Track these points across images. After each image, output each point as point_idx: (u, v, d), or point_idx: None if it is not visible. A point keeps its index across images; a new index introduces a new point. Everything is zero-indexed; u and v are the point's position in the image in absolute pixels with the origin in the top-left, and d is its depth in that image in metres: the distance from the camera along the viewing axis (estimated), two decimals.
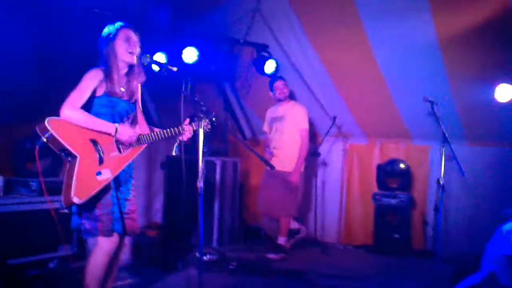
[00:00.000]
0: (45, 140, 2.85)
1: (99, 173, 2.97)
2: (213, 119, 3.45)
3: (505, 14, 4.30)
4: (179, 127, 3.37)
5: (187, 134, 3.43)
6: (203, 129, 3.32)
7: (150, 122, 3.65)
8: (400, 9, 4.69)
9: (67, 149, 2.87)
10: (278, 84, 5.78)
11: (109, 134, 3.07)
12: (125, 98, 3.21)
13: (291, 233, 5.98)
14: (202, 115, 3.30)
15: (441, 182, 4.45)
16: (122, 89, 3.18)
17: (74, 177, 2.84)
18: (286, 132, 5.70)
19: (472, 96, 5.17)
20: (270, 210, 5.84)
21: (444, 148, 4.46)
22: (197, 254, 4.07)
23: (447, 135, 4.46)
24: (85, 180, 2.89)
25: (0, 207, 4.19)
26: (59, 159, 2.94)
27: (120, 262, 3.41)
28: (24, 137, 4.81)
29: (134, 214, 3.32)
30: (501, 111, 5.14)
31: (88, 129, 2.99)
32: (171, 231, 6.10)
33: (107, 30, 3.20)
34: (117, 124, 3.10)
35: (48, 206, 4.48)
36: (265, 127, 6.04)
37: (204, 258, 5.10)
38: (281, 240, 5.75)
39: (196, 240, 5.69)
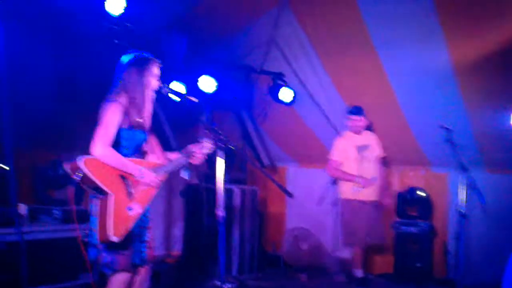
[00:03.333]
0: (78, 178, 2.82)
1: (130, 209, 2.98)
2: (232, 147, 3.47)
3: None
4: (188, 148, 3.38)
5: (198, 158, 3.41)
6: (207, 149, 3.36)
7: (168, 150, 3.66)
8: (413, 35, 4.75)
9: (100, 187, 2.85)
10: (354, 118, 5.61)
11: (133, 176, 3.05)
12: (141, 127, 3.20)
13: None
14: (221, 144, 3.33)
15: (462, 211, 4.41)
16: (140, 120, 3.16)
17: (110, 216, 2.83)
18: (373, 161, 5.66)
19: (488, 123, 5.15)
20: (374, 240, 5.72)
21: (463, 176, 4.44)
22: (217, 283, 4.07)
23: (464, 162, 4.44)
24: (119, 217, 2.90)
25: (24, 235, 4.24)
26: (80, 187, 2.93)
27: None
28: (46, 165, 4.89)
29: (153, 242, 3.33)
30: None
31: None
32: (190, 259, 6.10)
33: (133, 58, 3.17)
34: (142, 167, 3.08)
35: (70, 235, 4.55)
36: (336, 155, 5.67)
37: (224, 286, 5.08)
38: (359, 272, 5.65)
39: (216, 268, 5.68)
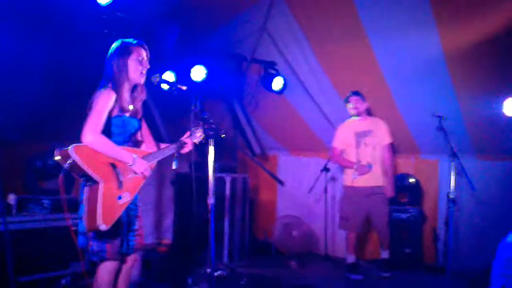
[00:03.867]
0: (68, 166, 2.80)
1: (120, 197, 2.97)
2: (223, 135, 3.47)
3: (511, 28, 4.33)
4: (180, 140, 3.40)
5: (188, 147, 3.43)
6: (197, 139, 3.38)
7: (159, 139, 3.67)
8: (404, 23, 4.73)
9: (89, 175, 2.83)
10: (352, 99, 5.66)
11: (126, 163, 3.04)
12: (134, 116, 3.20)
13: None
14: (211, 132, 3.32)
15: (451, 197, 4.45)
16: (131, 107, 3.16)
17: (99, 204, 2.81)
18: (376, 147, 5.62)
19: (480, 110, 5.17)
20: (375, 226, 5.76)
21: (453, 163, 4.46)
22: (208, 270, 4.08)
23: (455, 149, 4.46)
24: (108, 206, 2.88)
25: (13, 225, 4.23)
26: (70, 176, 2.92)
27: (131, 278, 3.43)
28: (35, 156, 4.86)
29: (142, 231, 3.31)
30: (509, 124, 5.13)
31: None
32: (181, 247, 6.11)
33: (117, 46, 3.17)
34: (135, 155, 3.07)
35: (60, 224, 4.54)
36: (337, 143, 5.77)
37: (215, 274, 5.11)
38: (386, 254, 5.68)
39: (206, 256, 5.70)
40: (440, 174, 6.14)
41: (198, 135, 3.44)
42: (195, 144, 3.45)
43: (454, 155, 4.47)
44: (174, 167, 3.42)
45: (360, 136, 5.66)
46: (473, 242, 5.77)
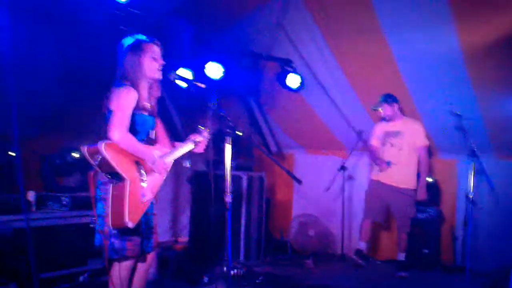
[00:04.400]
0: (97, 163, 2.81)
1: (143, 195, 2.99)
2: (240, 133, 3.47)
3: None
4: (194, 140, 3.41)
5: (202, 146, 3.45)
6: (204, 138, 3.41)
7: (176, 136, 3.67)
8: (422, 19, 4.69)
9: (117, 173, 2.84)
10: (380, 107, 5.71)
11: (148, 161, 3.05)
12: (150, 114, 3.19)
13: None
14: (228, 130, 3.32)
15: (470, 197, 4.40)
16: (148, 104, 3.16)
17: (126, 202, 2.83)
18: (405, 148, 5.62)
19: (498, 109, 5.10)
20: (385, 221, 5.91)
21: (472, 162, 4.41)
22: (224, 268, 4.08)
23: (474, 149, 4.41)
24: (134, 204, 2.90)
25: (32, 222, 4.27)
26: (84, 173, 2.93)
27: (148, 276, 3.44)
28: (53, 153, 4.90)
29: (157, 228, 3.33)
30: None
31: None
32: (197, 245, 6.13)
33: (130, 43, 3.13)
34: (156, 156, 3.10)
35: (78, 221, 4.58)
36: (374, 141, 5.91)
37: (231, 272, 5.12)
38: (402, 256, 5.70)
39: (223, 254, 5.71)
40: (459, 174, 6.06)
41: (205, 135, 3.44)
42: (212, 142, 3.46)
43: (473, 154, 4.43)
44: (188, 165, 3.43)
45: (388, 136, 5.73)
46: (491, 242, 5.70)
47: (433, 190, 6.12)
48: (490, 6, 4.31)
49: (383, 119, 5.79)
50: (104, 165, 2.81)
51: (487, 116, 5.32)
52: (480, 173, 4.50)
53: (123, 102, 2.96)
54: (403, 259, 5.65)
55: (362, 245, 5.81)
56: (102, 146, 2.77)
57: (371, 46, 5.24)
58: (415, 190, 5.60)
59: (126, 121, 2.94)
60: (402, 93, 5.60)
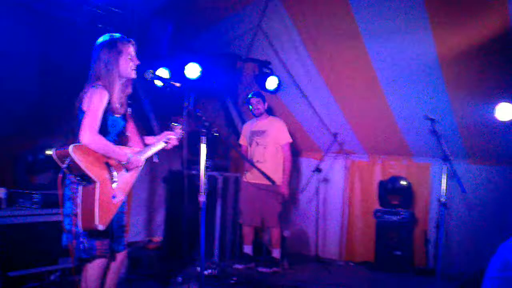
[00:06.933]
0: (66, 166, 2.77)
1: (114, 196, 2.95)
2: (215, 133, 3.46)
3: (505, 33, 4.34)
4: (166, 135, 3.40)
5: (173, 143, 3.43)
6: (177, 135, 3.39)
7: (152, 135, 3.62)
8: (400, 27, 4.75)
9: (87, 175, 2.79)
10: (253, 100, 5.85)
11: (120, 162, 3.03)
12: (121, 113, 3.14)
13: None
14: (204, 130, 3.31)
15: (442, 200, 4.46)
16: (119, 105, 3.10)
17: (97, 205, 2.79)
18: (269, 146, 5.76)
19: (472, 115, 5.19)
20: (262, 222, 5.90)
21: (445, 166, 4.48)
22: (198, 269, 4.06)
23: (448, 153, 4.47)
24: (105, 206, 2.86)
25: (2, 219, 4.20)
26: (56, 172, 2.86)
27: (119, 275, 3.40)
28: (26, 150, 4.83)
29: (127, 227, 3.29)
30: (502, 129, 5.16)
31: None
32: (171, 245, 6.09)
33: (104, 41, 3.06)
34: (129, 154, 3.07)
35: (50, 219, 4.51)
36: (242, 140, 6.11)
37: (205, 272, 5.10)
38: (276, 252, 5.79)
39: (197, 254, 5.68)
40: (432, 177, 6.15)
41: (179, 132, 3.43)
42: (188, 142, 3.44)
43: (446, 158, 4.49)
44: (157, 160, 3.42)
45: (254, 135, 5.87)
46: (463, 245, 5.79)
47: (407, 193, 6.19)
48: (465, 14, 4.39)
49: (253, 114, 5.91)
50: (74, 168, 2.77)
51: (461, 122, 5.41)
52: (452, 177, 4.56)
53: (94, 104, 2.91)
54: (278, 256, 5.79)
55: (248, 248, 5.96)
56: (71, 149, 2.73)
57: (349, 52, 5.29)
58: (280, 186, 5.72)
59: (97, 123, 2.90)
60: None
